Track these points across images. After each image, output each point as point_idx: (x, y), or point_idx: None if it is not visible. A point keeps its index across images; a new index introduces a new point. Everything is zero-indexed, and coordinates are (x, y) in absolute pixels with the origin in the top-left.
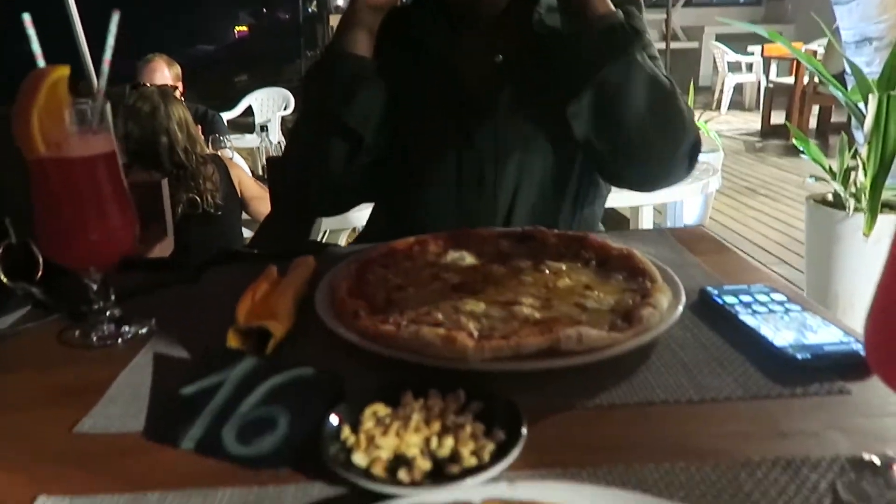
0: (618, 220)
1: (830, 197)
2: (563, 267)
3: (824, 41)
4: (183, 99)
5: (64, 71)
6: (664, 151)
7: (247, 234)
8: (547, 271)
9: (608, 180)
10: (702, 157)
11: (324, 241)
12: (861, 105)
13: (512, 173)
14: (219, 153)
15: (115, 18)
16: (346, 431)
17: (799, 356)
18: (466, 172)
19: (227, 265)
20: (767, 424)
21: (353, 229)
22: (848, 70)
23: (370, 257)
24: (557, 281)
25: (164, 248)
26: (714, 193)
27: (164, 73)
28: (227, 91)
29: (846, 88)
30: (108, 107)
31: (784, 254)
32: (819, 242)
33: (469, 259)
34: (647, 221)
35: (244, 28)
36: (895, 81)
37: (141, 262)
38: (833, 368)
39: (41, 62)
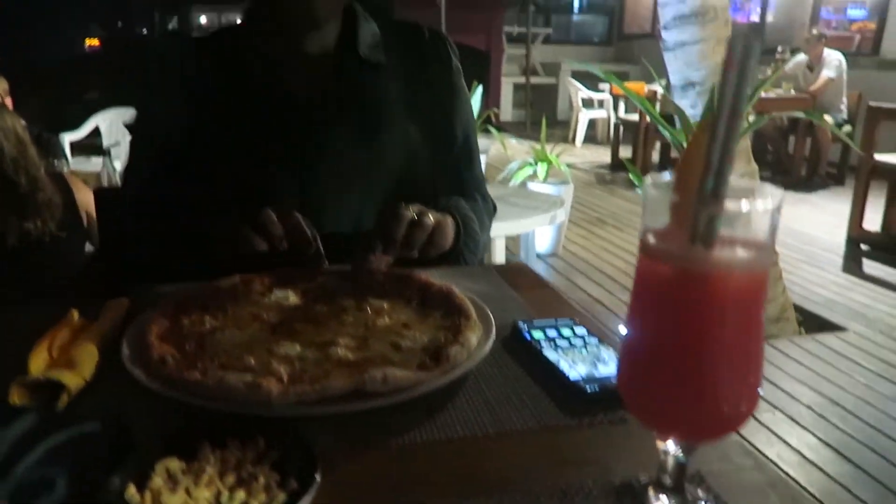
0: None
1: None
2: (385, 305)
3: None
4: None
5: None
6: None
7: None
8: (369, 310)
9: None
10: (552, 191)
11: None
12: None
13: (352, 204)
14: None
15: None
16: (130, 490)
17: (588, 388)
18: (307, 205)
19: (22, 306)
20: (554, 454)
21: None
22: None
23: (189, 297)
24: (377, 320)
25: None
26: (566, 224)
27: None
28: (73, 109)
29: (677, 128)
30: None
31: (628, 281)
32: None
33: (293, 298)
34: (499, 252)
35: (96, 41)
36: None
37: None
38: (618, 399)
39: None
